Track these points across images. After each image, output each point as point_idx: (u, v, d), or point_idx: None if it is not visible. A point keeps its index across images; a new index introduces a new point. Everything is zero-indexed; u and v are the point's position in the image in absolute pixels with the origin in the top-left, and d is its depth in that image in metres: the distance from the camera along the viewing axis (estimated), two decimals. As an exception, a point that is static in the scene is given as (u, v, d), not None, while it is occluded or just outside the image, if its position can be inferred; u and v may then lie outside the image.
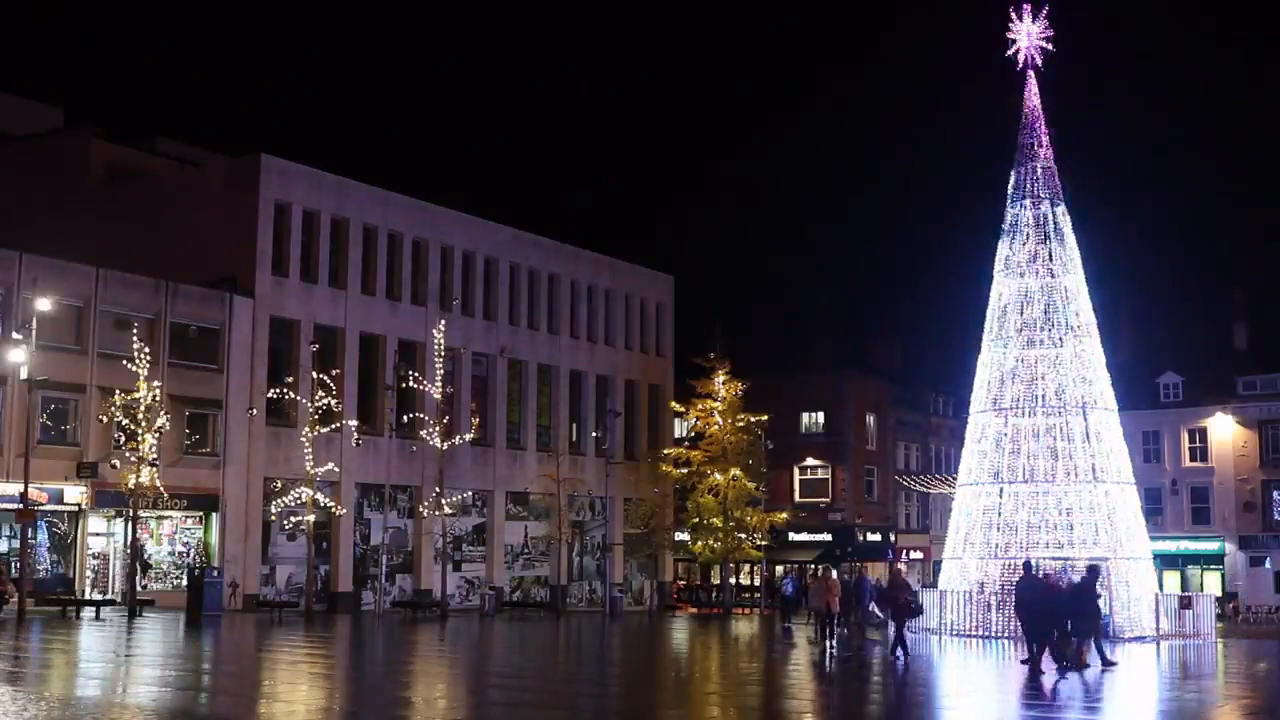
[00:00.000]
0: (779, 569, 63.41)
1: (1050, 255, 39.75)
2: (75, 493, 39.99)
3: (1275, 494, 65.01)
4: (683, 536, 58.59)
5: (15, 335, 37.14)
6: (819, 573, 35.69)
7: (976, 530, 39.25)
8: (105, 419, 38.06)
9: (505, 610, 48.37)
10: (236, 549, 43.55)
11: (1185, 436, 66.99)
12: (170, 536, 44.02)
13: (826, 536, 66.86)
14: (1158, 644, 35.17)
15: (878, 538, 69.67)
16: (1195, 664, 30.44)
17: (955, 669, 27.94)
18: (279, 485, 44.34)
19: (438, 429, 44.87)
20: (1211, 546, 65.63)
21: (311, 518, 43.00)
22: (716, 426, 56.09)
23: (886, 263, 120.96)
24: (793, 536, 64.54)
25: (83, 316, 40.73)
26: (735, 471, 55.21)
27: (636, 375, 60.33)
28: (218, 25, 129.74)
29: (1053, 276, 39.73)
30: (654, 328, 61.86)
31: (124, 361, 38.26)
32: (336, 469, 44.59)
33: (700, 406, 56.88)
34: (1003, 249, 40.40)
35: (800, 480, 68.35)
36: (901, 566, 32.33)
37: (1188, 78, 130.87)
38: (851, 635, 36.42)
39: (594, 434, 56.72)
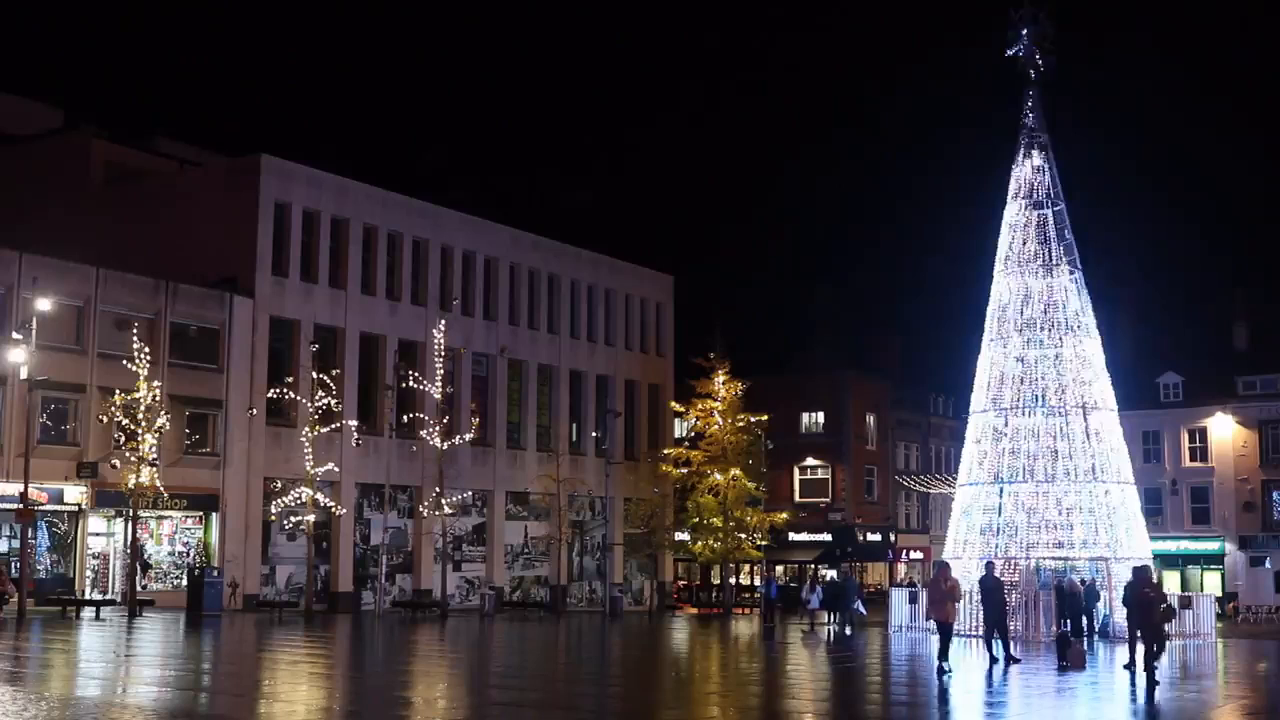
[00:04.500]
0: (779, 569, 63.41)
1: (1050, 255, 39.78)
2: (75, 493, 39.99)
3: (1275, 494, 64.97)
4: (683, 536, 58.57)
5: (15, 335, 37.13)
6: (934, 573, 26.76)
7: (976, 530, 39.27)
8: (105, 419, 38.04)
9: (505, 610, 48.35)
10: (236, 549, 43.55)
11: (1185, 436, 66.96)
12: (170, 536, 44.02)
13: (826, 536, 66.89)
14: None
15: (878, 538, 69.69)
16: (1195, 664, 30.42)
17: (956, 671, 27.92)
18: (279, 485, 44.33)
19: (438, 429, 44.86)
20: (1211, 546, 65.61)
21: (311, 518, 43.00)
22: (716, 426, 56.06)
23: (886, 263, 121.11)
24: (793, 536, 64.54)
25: (83, 316, 40.73)
26: (735, 471, 55.18)
27: (636, 375, 60.33)
28: (218, 25, 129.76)
29: (1052, 276, 39.74)
30: (654, 328, 61.86)
31: (124, 361, 38.27)
32: (336, 469, 44.59)
33: (700, 406, 56.85)
34: (1002, 248, 40.42)
35: (800, 480, 68.37)
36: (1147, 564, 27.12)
37: (1189, 77, 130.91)
38: (841, 633, 37.83)
39: (594, 434, 56.71)
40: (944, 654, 23.95)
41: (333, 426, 43.98)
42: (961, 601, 26.10)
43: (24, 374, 36.94)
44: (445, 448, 45.02)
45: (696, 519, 56.39)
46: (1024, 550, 38.26)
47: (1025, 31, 39.84)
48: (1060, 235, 39.95)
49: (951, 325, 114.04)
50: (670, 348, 62.42)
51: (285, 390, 43.57)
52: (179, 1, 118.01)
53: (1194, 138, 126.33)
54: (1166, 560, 59.88)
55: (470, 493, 51.12)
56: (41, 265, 39.83)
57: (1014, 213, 40.38)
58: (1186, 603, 39.71)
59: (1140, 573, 23.90)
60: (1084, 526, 38.39)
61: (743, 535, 55.71)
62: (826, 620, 42.56)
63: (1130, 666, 25.34)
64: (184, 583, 40.89)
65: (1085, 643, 32.79)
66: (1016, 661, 26.11)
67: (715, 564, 59.88)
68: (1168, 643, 31.94)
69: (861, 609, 42.75)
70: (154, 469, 37.46)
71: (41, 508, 38.64)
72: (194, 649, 27.69)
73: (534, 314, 55.87)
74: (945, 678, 22.98)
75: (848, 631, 39.27)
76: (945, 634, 24.27)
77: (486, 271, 53.94)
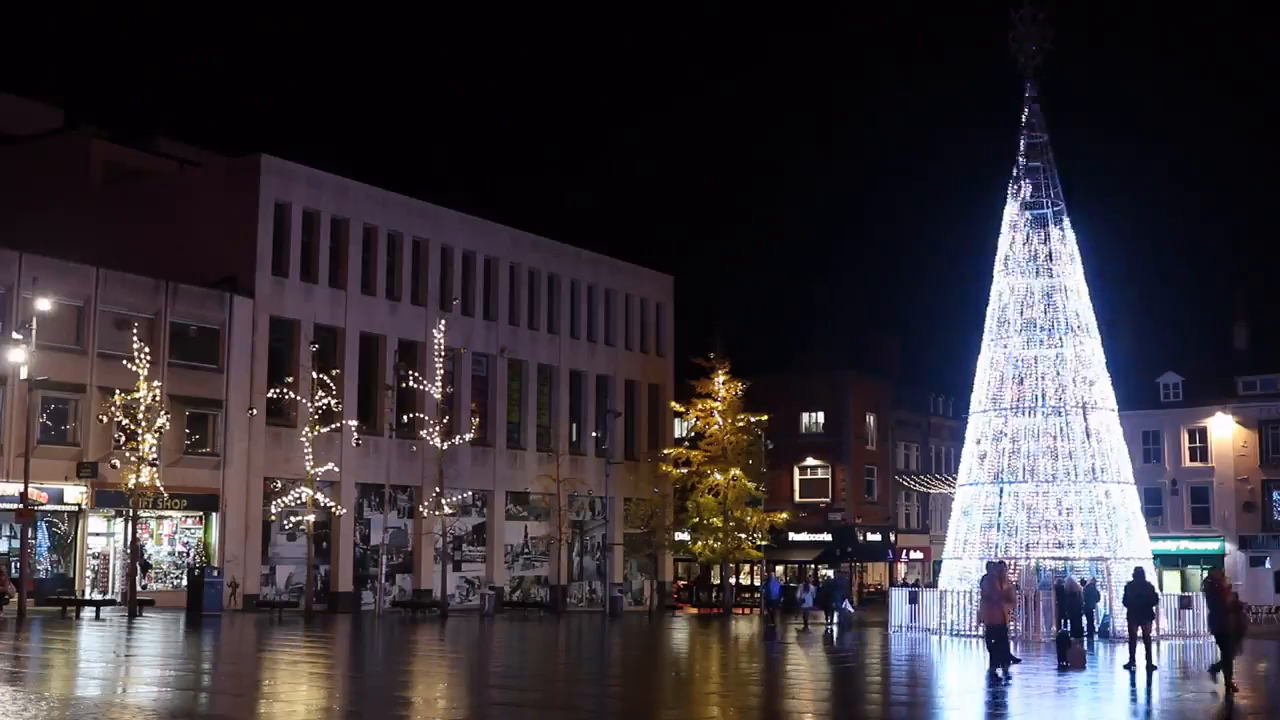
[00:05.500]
0: (779, 569, 63.43)
1: (1050, 255, 39.79)
2: (75, 493, 39.98)
3: (1275, 494, 64.95)
4: (683, 536, 58.58)
5: (15, 335, 37.14)
6: (992, 574, 24.56)
7: (976, 530, 39.28)
8: (105, 419, 38.03)
9: (505, 610, 48.36)
10: (236, 549, 43.54)
11: (1185, 436, 66.94)
12: (170, 536, 44.01)
13: (826, 536, 66.88)
14: (1158, 644, 35.13)
15: (878, 538, 69.67)
16: (1195, 664, 30.42)
17: (952, 670, 27.92)
18: (279, 485, 44.33)
19: (438, 429, 44.86)
20: (1211, 546, 65.59)
21: (311, 518, 43.00)
22: (716, 426, 56.05)
23: (886, 263, 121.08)
24: (793, 536, 64.52)
25: (83, 316, 40.73)
26: (735, 471, 55.17)
27: (636, 375, 60.32)
28: (218, 25, 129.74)
29: (1053, 276, 39.76)
30: (654, 328, 61.85)
31: (124, 361, 38.26)
32: (336, 469, 44.59)
33: (700, 406, 56.84)
34: (1003, 248, 40.42)
35: (800, 480, 68.35)
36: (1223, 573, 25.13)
37: (1188, 78, 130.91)
38: (840, 632, 38.34)
39: (594, 434, 56.71)
40: (1003, 660, 22.74)
41: (333, 426, 43.98)
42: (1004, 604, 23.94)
43: (24, 374, 36.93)
44: (445, 448, 45.02)
45: (696, 519, 56.38)
46: (1024, 550, 38.26)
47: (1025, 32, 39.83)
48: (1060, 235, 39.96)
49: (951, 325, 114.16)
50: (670, 348, 62.42)
51: (285, 390, 43.55)
52: (179, 1, 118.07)
53: (1194, 137, 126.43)
54: (1166, 560, 59.82)
55: (470, 493, 51.11)
56: (41, 265, 39.83)
57: (1014, 212, 40.39)
58: (1186, 602, 39.75)
59: (1214, 575, 22.38)
60: (1084, 526, 38.41)
61: (743, 535, 55.70)
62: (823, 620, 42.86)
63: (1130, 666, 25.34)
64: (184, 583, 40.88)
65: (1085, 643, 32.79)
66: (1016, 661, 26.08)
67: (715, 564, 59.88)
68: (1164, 643, 31.93)
69: (849, 607, 43.23)
70: (154, 469, 37.46)
71: (41, 508, 38.63)
72: (194, 649, 27.69)
73: (534, 314, 55.86)
74: (1005, 685, 21.74)
75: (836, 630, 39.64)
76: (1001, 638, 23.11)
77: (486, 271, 53.94)
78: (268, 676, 22.43)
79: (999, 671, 22.45)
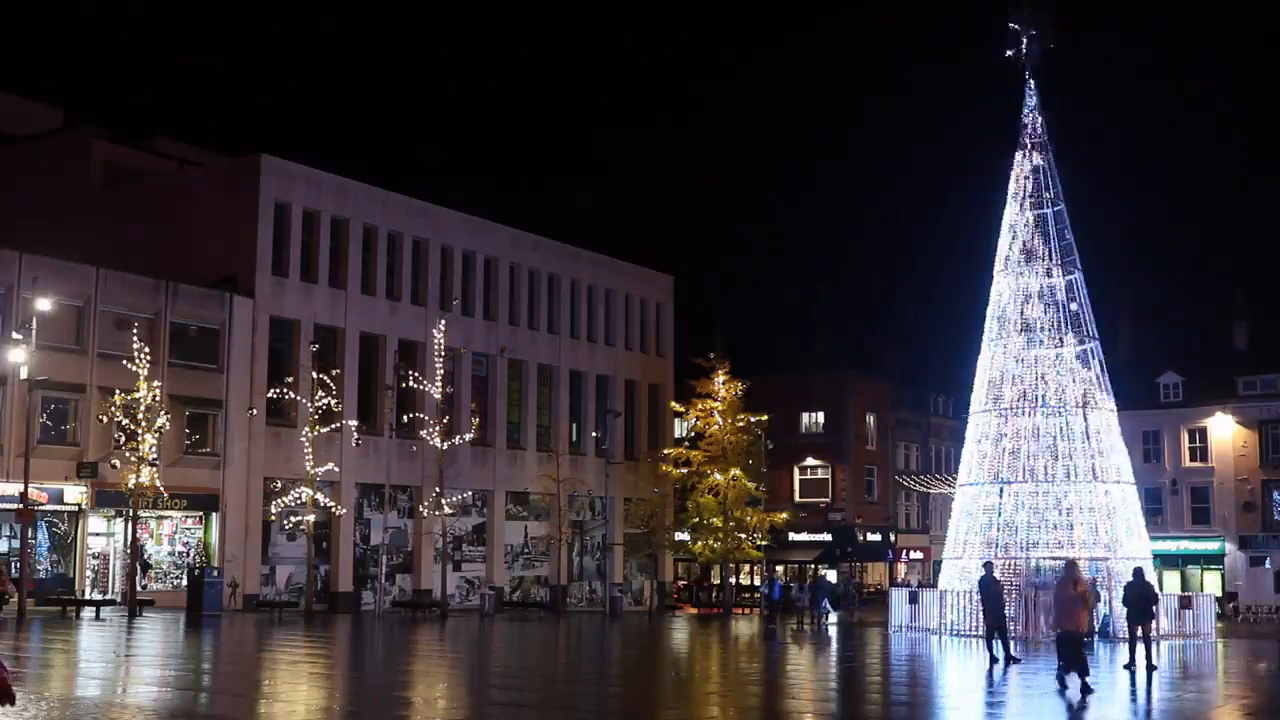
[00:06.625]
0: (779, 569, 63.48)
1: (1050, 254, 39.75)
2: (75, 493, 39.99)
3: (1275, 494, 64.95)
4: (683, 536, 58.59)
5: (15, 335, 37.14)
6: (1065, 577, 22.23)
7: (976, 530, 39.28)
8: (105, 419, 38.04)
9: (505, 610, 48.35)
10: (236, 549, 43.55)
11: (1185, 436, 66.93)
12: (170, 536, 44.02)
13: (826, 536, 66.90)
14: (1158, 644, 35.11)
15: (878, 538, 69.69)
16: (1195, 664, 30.43)
17: (954, 670, 27.94)
18: (279, 485, 44.33)
19: (438, 429, 44.86)
20: (1211, 546, 65.61)
21: (311, 518, 43.00)
22: (716, 426, 56.07)
23: (887, 263, 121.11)
24: (793, 536, 64.56)
25: (83, 316, 40.74)
26: (735, 471, 55.19)
27: (636, 375, 60.31)
28: (218, 25, 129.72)
29: (1052, 276, 39.72)
30: (654, 328, 61.85)
31: (124, 361, 38.27)
32: (336, 469, 44.59)
33: (700, 406, 56.86)
34: (1002, 248, 40.39)
35: (800, 480, 68.36)
36: None
37: (1188, 77, 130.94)
38: (842, 630, 38.79)
39: (594, 434, 56.71)
40: (1083, 670, 20.50)
41: (333, 426, 43.98)
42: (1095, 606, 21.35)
43: (24, 374, 36.95)
44: (445, 448, 45.02)
45: (696, 519, 56.39)
46: (1024, 550, 38.27)
47: (1024, 33, 39.78)
48: (1060, 235, 39.91)
49: (951, 325, 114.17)
50: (670, 348, 62.42)
51: (285, 390, 43.56)
52: (179, 1, 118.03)
53: (1194, 137, 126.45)
54: (1166, 560, 59.83)
55: (470, 493, 51.11)
56: (41, 265, 39.83)
57: (1014, 213, 40.35)
58: (1187, 602, 39.76)
59: None
60: (1084, 526, 38.40)
61: (743, 535, 55.72)
62: (814, 620, 43.35)
63: (1130, 666, 25.32)
64: (184, 583, 40.89)
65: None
66: (1016, 661, 26.11)
67: (715, 564, 59.89)
68: (1164, 643, 31.89)
69: (828, 606, 43.82)
70: (154, 469, 37.47)
71: (41, 508, 38.64)
72: (194, 649, 27.69)
73: (534, 314, 55.86)
74: (1090, 696, 19.77)
75: (825, 629, 40.00)
76: (1076, 646, 20.96)
77: (486, 271, 53.94)
78: (268, 676, 22.43)
79: (1087, 681, 20.28)
